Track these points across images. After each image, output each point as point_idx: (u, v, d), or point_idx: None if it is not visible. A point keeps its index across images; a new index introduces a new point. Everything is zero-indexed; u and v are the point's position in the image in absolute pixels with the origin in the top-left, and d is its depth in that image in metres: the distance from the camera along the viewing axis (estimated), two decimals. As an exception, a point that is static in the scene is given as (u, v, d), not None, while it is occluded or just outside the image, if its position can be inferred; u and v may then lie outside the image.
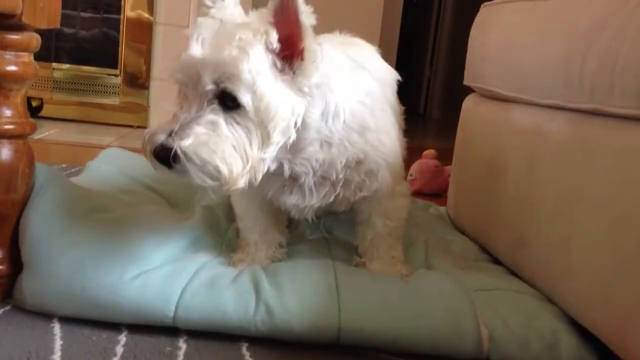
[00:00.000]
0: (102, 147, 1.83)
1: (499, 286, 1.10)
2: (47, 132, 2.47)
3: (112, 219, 1.07)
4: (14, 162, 0.97)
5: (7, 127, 0.96)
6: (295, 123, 0.89)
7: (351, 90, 0.99)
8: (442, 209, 1.70)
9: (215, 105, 0.84)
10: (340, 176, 1.01)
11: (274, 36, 0.83)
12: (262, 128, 0.85)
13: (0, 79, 0.94)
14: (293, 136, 0.90)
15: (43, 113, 2.79)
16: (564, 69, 1.03)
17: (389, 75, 1.20)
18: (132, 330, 0.93)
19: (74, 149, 2.26)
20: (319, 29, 1.23)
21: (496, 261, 1.29)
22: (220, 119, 0.83)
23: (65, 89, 2.84)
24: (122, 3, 2.81)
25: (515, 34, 1.27)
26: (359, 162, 1.01)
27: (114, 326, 0.94)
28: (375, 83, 1.07)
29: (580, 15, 1.02)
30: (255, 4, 0.95)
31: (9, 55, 0.94)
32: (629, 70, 0.87)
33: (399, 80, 1.22)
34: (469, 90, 1.58)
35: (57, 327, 0.92)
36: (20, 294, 0.96)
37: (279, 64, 0.85)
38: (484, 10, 1.50)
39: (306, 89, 0.88)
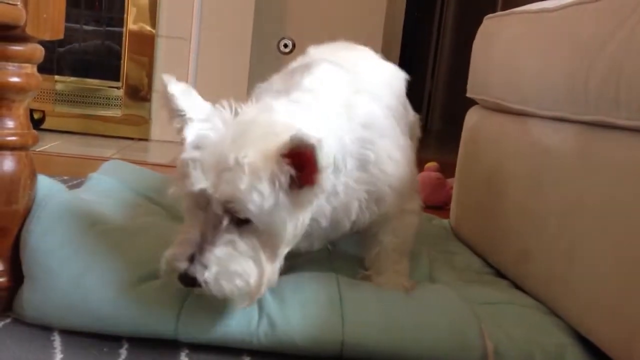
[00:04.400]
0: (103, 159, 1.83)
1: (503, 300, 1.09)
2: (49, 144, 2.47)
3: (113, 230, 1.06)
4: (16, 173, 0.97)
5: (9, 138, 0.95)
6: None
7: (348, 138, 0.98)
8: (445, 221, 1.69)
9: (229, 223, 0.85)
10: (354, 217, 1.02)
11: (285, 177, 0.83)
12: (273, 243, 0.87)
13: (3, 90, 0.94)
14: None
15: (45, 125, 2.80)
16: (569, 81, 1.02)
17: (394, 80, 1.20)
18: (133, 344, 0.92)
19: (75, 161, 2.26)
20: (320, 42, 1.24)
21: (500, 274, 1.28)
22: (235, 236, 0.85)
23: (67, 101, 2.85)
24: (125, 16, 2.83)
25: (519, 46, 1.27)
26: (369, 193, 1.03)
27: (114, 339, 0.93)
28: (374, 105, 1.07)
29: (584, 26, 1.02)
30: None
31: (12, 66, 0.94)
32: (634, 82, 0.86)
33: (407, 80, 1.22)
34: (471, 103, 1.58)
35: (57, 340, 0.91)
36: (20, 306, 0.96)
37: (288, 186, 0.84)
38: (487, 22, 1.50)
39: (315, 202, 0.90)
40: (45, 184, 1.05)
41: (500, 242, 1.28)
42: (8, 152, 0.96)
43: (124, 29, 2.84)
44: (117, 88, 2.87)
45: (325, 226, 1.00)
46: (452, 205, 1.63)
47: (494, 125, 1.38)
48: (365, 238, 1.15)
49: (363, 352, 0.93)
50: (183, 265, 0.84)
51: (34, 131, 1.00)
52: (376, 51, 1.26)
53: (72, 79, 2.86)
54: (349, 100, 1.02)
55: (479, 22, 1.54)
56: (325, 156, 0.82)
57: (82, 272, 0.95)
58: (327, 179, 0.86)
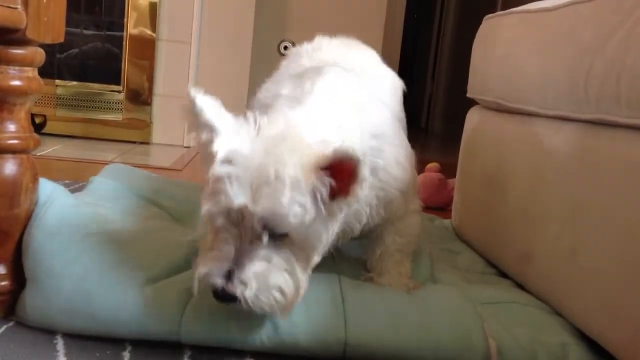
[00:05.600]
0: (105, 163, 1.83)
1: (506, 299, 1.09)
2: (50, 149, 2.47)
3: (115, 234, 1.06)
4: (18, 177, 0.97)
5: (10, 142, 0.95)
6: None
7: (363, 147, 0.97)
8: (447, 221, 1.69)
9: (264, 237, 0.83)
10: (364, 222, 1.04)
11: (325, 189, 0.82)
12: (307, 254, 0.87)
13: (4, 93, 0.94)
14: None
15: (46, 130, 2.80)
16: (569, 80, 1.02)
17: (397, 86, 1.21)
18: (136, 346, 0.92)
19: (77, 165, 2.26)
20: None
21: (502, 274, 1.28)
22: (272, 251, 0.84)
23: (68, 105, 2.85)
24: (125, 20, 2.83)
25: (518, 46, 1.27)
26: (379, 198, 1.04)
27: (117, 342, 0.93)
28: (385, 113, 1.09)
29: (584, 25, 1.02)
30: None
31: (13, 70, 0.94)
32: (635, 80, 0.86)
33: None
34: (471, 104, 1.58)
35: (60, 344, 0.91)
36: (23, 310, 0.96)
37: (324, 199, 0.84)
38: (486, 23, 1.50)
39: (346, 210, 0.90)
40: (48, 188, 1.05)
41: (502, 241, 1.27)
42: (10, 156, 0.96)
43: (125, 33, 2.84)
44: (118, 92, 2.87)
45: (337, 232, 0.98)
46: (454, 206, 1.63)
47: (495, 125, 1.38)
48: (369, 240, 1.15)
49: (366, 352, 0.93)
50: (220, 281, 0.82)
51: (36, 135, 1.01)
52: (377, 53, 1.27)
53: (73, 83, 2.86)
54: (362, 108, 1.02)
55: (478, 22, 1.54)
56: (365, 169, 0.83)
57: (84, 275, 0.95)
58: (361, 189, 0.85)
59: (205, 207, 0.84)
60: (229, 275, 0.82)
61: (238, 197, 0.80)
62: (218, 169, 0.82)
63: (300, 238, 0.84)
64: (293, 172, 0.80)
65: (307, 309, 0.95)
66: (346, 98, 1.01)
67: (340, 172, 0.82)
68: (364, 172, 0.83)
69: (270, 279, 0.83)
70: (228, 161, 0.82)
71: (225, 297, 0.82)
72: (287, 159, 0.81)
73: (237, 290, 0.81)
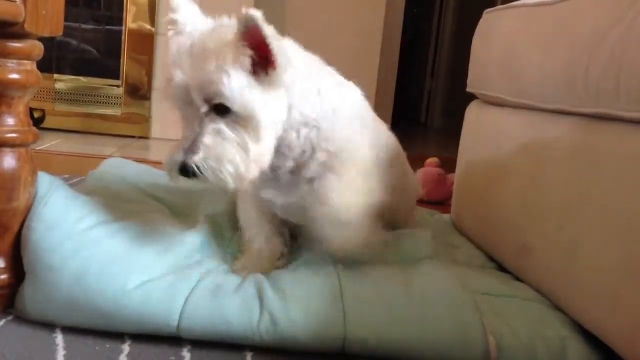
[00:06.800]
0: (104, 158, 1.83)
1: (506, 292, 1.09)
2: (49, 143, 2.47)
3: (114, 227, 1.06)
4: (17, 170, 0.97)
5: (9, 135, 0.95)
6: (281, 118, 0.99)
7: (326, 90, 1.06)
8: (446, 216, 1.69)
9: (213, 115, 0.94)
10: (295, 153, 1.05)
11: (246, 59, 0.92)
12: (253, 125, 0.95)
13: (2, 87, 0.94)
14: (280, 129, 1.00)
15: (45, 124, 2.80)
16: (569, 74, 1.02)
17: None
18: (135, 340, 0.92)
19: (76, 159, 2.26)
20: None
21: (502, 269, 1.28)
22: (221, 124, 0.94)
23: (67, 100, 2.85)
24: (124, 14, 2.82)
25: (518, 40, 1.27)
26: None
27: (117, 336, 0.93)
28: (367, 113, 1.16)
29: (584, 19, 1.02)
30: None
31: (11, 63, 0.94)
32: (634, 73, 0.86)
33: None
34: (470, 98, 1.58)
35: (59, 337, 0.91)
36: (22, 303, 0.96)
37: (255, 72, 0.94)
38: (486, 17, 1.50)
39: (282, 89, 0.97)
40: (46, 181, 1.05)
41: (502, 235, 1.27)
42: (8, 149, 0.96)
43: (123, 28, 2.84)
44: (117, 86, 2.86)
45: (290, 172, 1.06)
46: (453, 200, 1.63)
47: (494, 120, 1.38)
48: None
49: (365, 347, 0.93)
50: (180, 157, 0.92)
51: (34, 128, 1.00)
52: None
53: (72, 77, 2.86)
54: (349, 89, 1.12)
55: (478, 17, 1.53)
56: (272, 34, 0.91)
57: (83, 269, 0.95)
58: (285, 68, 0.94)
59: (159, 87, 1.00)
60: (187, 152, 0.93)
61: (177, 75, 0.94)
62: (170, 58, 0.97)
63: (243, 111, 0.93)
64: (215, 45, 0.93)
65: (306, 303, 0.96)
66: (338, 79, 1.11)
67: (256, 44, 0.91)
68: (268, 30, 0.90)
69: (217, 148, 0.93)
70: (173, 52, 0.97)
71: (183, 170, 0.92)
72: (212, 38, 0.94)
73: (189, 160, 0.91)
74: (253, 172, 0.96)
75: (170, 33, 0.99)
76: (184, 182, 0.95)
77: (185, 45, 0.95)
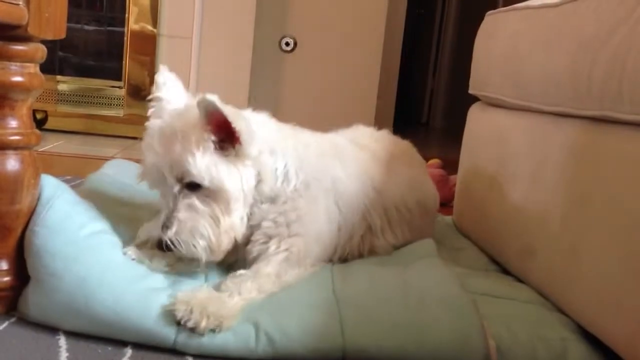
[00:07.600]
0: (106, 159, 1.83)
1: (506, 294, 1.09)
2: (51, 144, 2.48)
3: (117, 233, 1.06)
4: (20, 173, 0.97)
5: (12, 137, 0.95)
6: (250, 188, 1.06)
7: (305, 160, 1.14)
8: (448, 218, 1.69)
9: (185, 191, 1.02)
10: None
11: (210, 139, 1.00)
12: (224, 197, 1.02)
13: (5, 89, 0.94)
14: (251, 199, 1.07)
15: (47, 125, 2.80)
16: (572, 76, 1.02)
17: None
18: (138, 344, 0.92)
19: (78, 160, 2.26)
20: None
21: (506, 271, 1.28)
22: (193, 199, 1.02)
23: (70, 101, 2.85)
24: (126, 16, 2.83)
25: (521, 42, 1.27)
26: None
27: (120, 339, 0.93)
28: (351, 187, 1.20)
29: (587, 22, 1.02)
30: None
31: (14, 66, 0.94)
32: (638, 77, 0.86)
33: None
34: (472, 99, 1.58)
35: (62, 340, 0.91)
36: (25, 306, 0.96)
37: (221, 149, 1.02)
38: (488, 19, 1.50)
39: (249, 161, 1.05)
40: (51, 184, 1.05)
41: (504, 237, 1.27)
42: (11, 152, 0.96)
43: (126, 29, 2.84)
44: (119, 88, 2.87)
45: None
46: (455, 202, 1.63)
47: (497, 122, 1.38)
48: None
49: (365, 356, 0.92)
50: (156, 233, 1.01)
51: (37, 130, 1.00)
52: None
53: (74, 79, 2.86)
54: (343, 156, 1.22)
55: (480, 19, 1.54)
56: (232, 113, 0.98)
57: (84, 275, 0.94)
58: (249, 142, 1.02)
59: (139, 174, 1.07)
60: (163, 228, 1.01)
61: (149, 157, 1.03)
62: (143, 142, 1.06)
63: (212, 186, 1.01)
64: (181, 128, 1.01)
65: (302, 316, 0.94)
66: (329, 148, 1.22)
67: (219, 124, 0.99)
68: (240, 123, 0.99)
69: (189, 223, 1.01)
70: (148, 135, 1.05)
71: (159, 245, 1.00)
72: (180, 121, 1.02)
73: (164, 237, 0.99)
74: (225, 244, 1.03)
75: (150, 111, 1.10)
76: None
77: (156, 128, 1.04)
